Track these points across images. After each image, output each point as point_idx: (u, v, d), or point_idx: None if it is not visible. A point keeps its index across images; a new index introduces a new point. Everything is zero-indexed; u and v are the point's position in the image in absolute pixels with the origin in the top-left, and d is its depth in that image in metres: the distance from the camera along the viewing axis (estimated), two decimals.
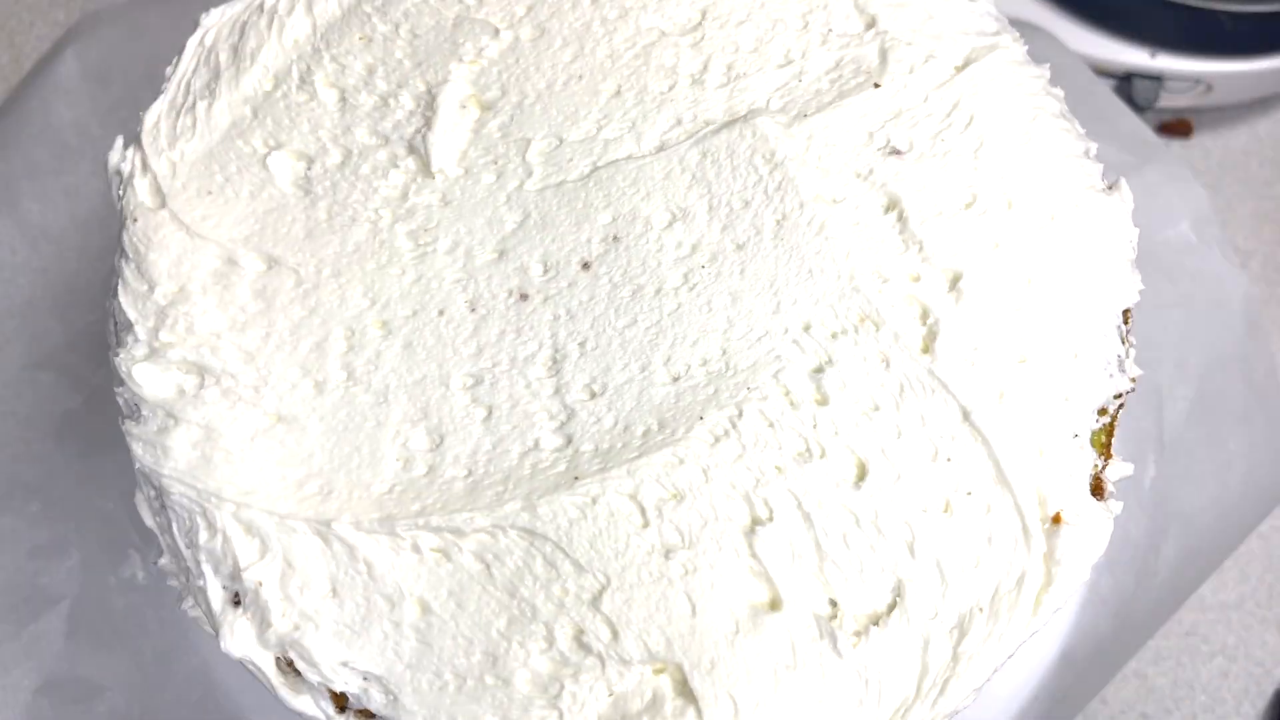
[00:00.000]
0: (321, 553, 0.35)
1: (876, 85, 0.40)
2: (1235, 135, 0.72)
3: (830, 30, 0.42)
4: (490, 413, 0.37)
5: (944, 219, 0.38)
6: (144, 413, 0.37)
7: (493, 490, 0.35)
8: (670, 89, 0.40)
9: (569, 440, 0.36)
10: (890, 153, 0.39)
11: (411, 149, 0.40)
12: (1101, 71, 0.66)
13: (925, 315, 0.37)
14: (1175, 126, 0.72)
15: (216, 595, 0.36)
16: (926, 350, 0.37)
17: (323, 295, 0.38)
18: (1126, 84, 0.67)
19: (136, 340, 0.38)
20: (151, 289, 0.39)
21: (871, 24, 0.42)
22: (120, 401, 0.38)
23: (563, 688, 0.34)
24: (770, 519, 0.35)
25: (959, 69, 0.41)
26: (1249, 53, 0.66)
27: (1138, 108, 0.66)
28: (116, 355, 0.38)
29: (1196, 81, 0.67)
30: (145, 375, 0.37)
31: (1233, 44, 0.65)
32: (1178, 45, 0.65)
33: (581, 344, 0.37)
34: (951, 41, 0.42)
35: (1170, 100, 0.68)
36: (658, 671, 0.34)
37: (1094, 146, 0.41)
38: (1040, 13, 0.67)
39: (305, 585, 0.35)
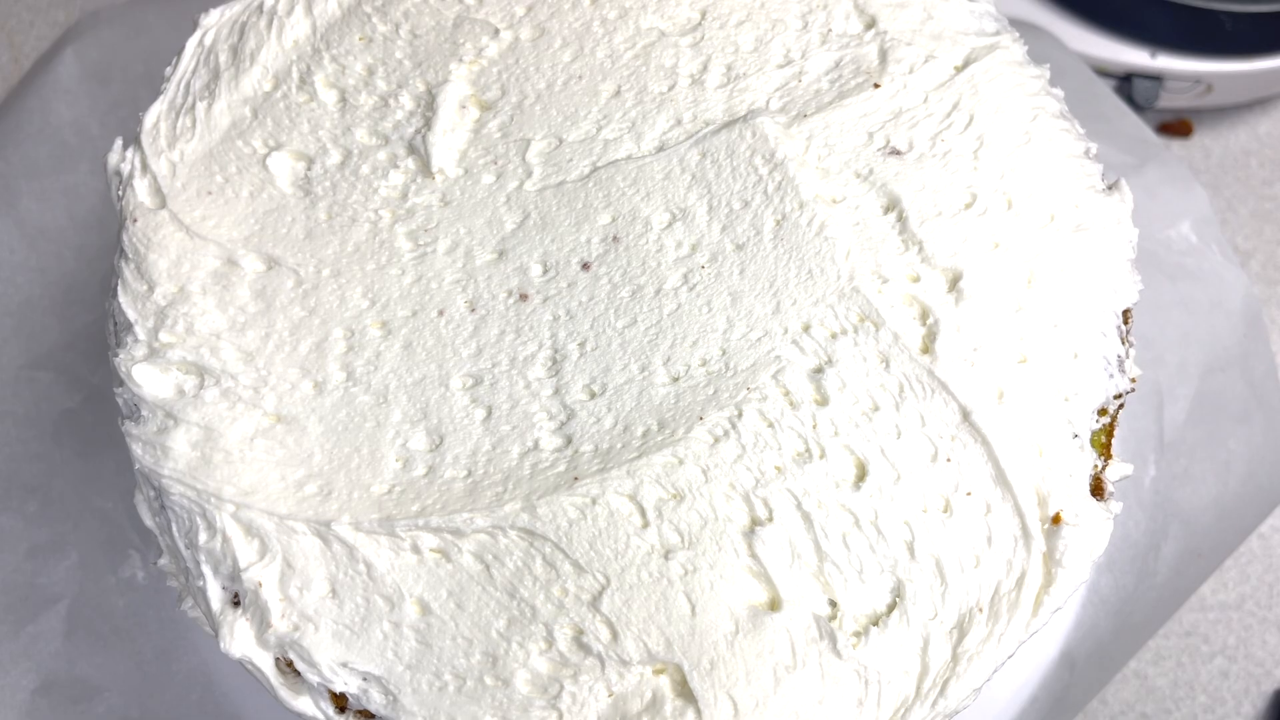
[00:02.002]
0: (321, 553, 0.35)
1: (876, 85, 0.40)
2: (1235, 135, 0.72)
3: (830, 30, 0.42)
4: (490, 413, 0.37)
5: (943, 219, 0.38)
6: (143, 413, 0.37)
7: (492, 491, 0.35)
8: (670, 89, 0.40)
9: (569, 440, 0.36)
10: (890, 153, 0.39)
11: (411, 149, 0.40)
12: (1101, 71, 0.66)
13: (925, 315, 0.37)
14: (1175, 126, 0.72)
15: (216, 596, 0.36)
16: (926, 350, 0.37)
17: (322, 296, 0.38)
18: (1126, 84, 0.67)
19: (136, 340, 0.38)
20: (151, 289, 0.38)
21: (871, 24, 0.42)
22: (120, 402, 0.38)
23: (562, 688, 0.34)
24: (770, 519, 0.35)
25: (959, 69, 0.41)
26: (1249, 53, 0.66)
27: (1138, 108, 0.66)
28: (116, 356, 0.38)
29: (1196, 81, 0.67)
30: (145, 376, 0.37)
31: (1233, 44, 0.65)
32: (1178, 45, 0.65)
33: (581, 344, 0.37)
34: (951, 42, 0.42)
35: (1170, 100, 0.68)
36: (657, 672, 0.34)
37: (1094, 146, 0.41)
38: (1040, 12, 0.67)
39: (305, 586, 0.35)
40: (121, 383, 0.38)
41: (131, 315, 0.38)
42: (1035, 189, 0.39)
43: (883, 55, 0.41)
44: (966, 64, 0.41)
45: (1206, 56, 0.65)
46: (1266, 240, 0.71)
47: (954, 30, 0.42)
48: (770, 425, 0.36)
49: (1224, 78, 0.66)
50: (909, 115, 0.40)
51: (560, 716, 0.34)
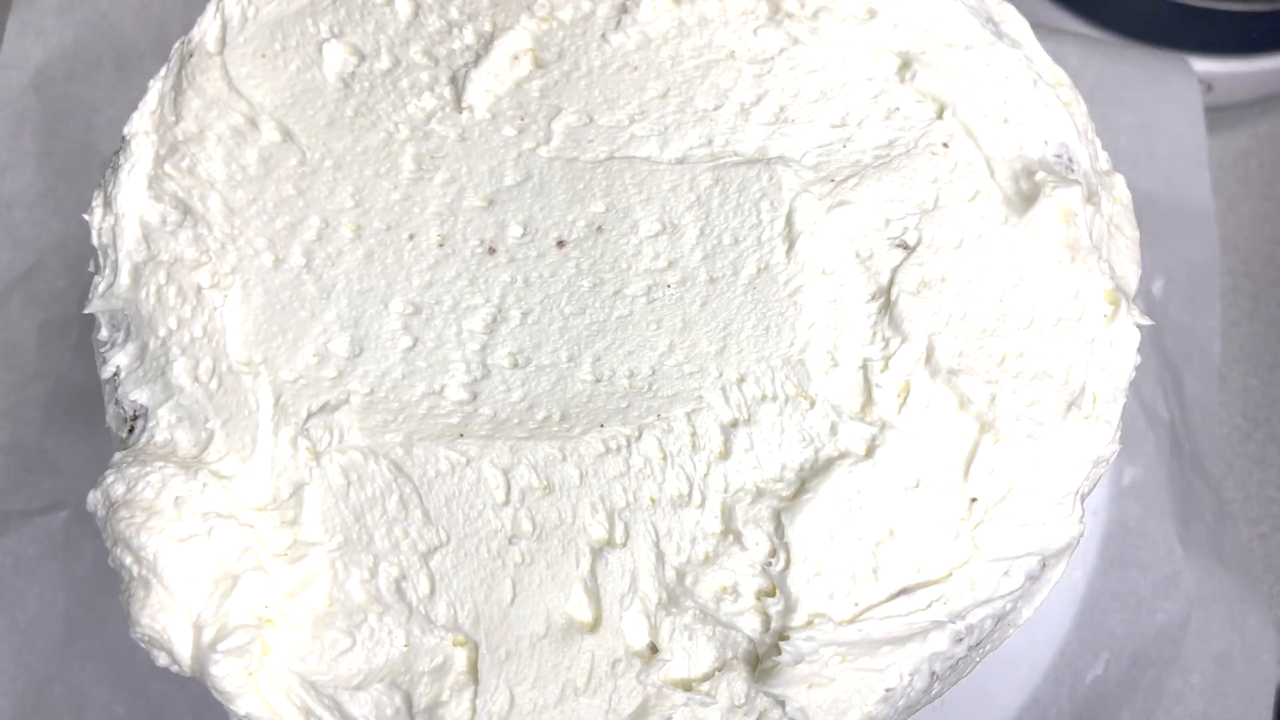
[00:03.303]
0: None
1: (945, 146, 0.39)
2: (1235, 135, 0.72)
3: (898, 110, 0.40)
4: (415, 345, 0.37)
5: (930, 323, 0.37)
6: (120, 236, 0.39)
7: (382, 416, 0.36)
8: (715, 109, 0.40)
9: (473, 397, 0.36)
10: (897, 245, 0.38)
11: (453, 80, 0.40)
12: None
13: (870, 414, 0.36)
14: None
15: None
16: (869, 454, 0.35)
17: (316, 182, 0.39)
18: None
19: (145, 160, 0.40)
20: (178, 121, 0.40)
21: (941, 113, 0.40)
22: (95, 218, 0.40)
23: (365, 620, 0.34)
24: (623, 545, 0.35)
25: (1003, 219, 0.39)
26: (1249, 53, 0.66)
27: None
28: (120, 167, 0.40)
29: (1197, 81, 0.66)
30: (139, 197, 0.39)
31: (1233, 44, 0.65)
32: (1178, 45, 0.65)
33: (525, 314, 0.37)
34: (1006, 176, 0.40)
35: None
36: (457, 643, 0.34)
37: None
38: (1043, 12, 0.66)
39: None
40: (108, 205, 0.39)
41: (153, 136, 0.40)
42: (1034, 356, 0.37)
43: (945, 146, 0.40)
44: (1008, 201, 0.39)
45: (1206, 56, 0.65)
46: (1266, 240, 0.69)
47: (1011, 156, 0.40)
48: (664, 457, 0.35)
49: (1224, 78, 0.66)
50: (937, 215, 0.38)
51: (353, 645, 0.34)
